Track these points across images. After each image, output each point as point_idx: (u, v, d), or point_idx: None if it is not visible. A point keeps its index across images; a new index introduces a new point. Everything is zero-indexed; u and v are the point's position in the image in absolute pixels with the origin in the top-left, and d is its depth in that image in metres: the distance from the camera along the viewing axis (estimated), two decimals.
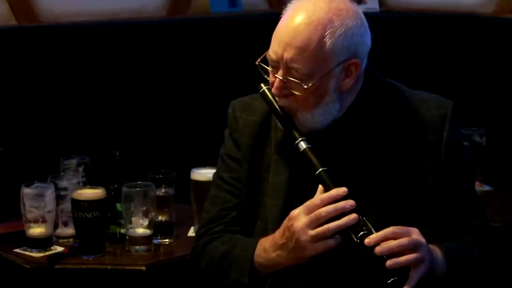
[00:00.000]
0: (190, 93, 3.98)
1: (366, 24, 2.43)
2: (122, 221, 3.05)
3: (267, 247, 2.42)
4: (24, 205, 2.99)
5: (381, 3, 4.40)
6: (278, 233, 2.40)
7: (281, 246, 2.38)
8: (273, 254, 2.41)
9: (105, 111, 3.79)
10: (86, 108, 3.75)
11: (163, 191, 3.13)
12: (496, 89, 3.97)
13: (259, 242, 2.45)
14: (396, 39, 4.12)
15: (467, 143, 3.47)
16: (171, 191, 3.14)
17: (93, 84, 3.77)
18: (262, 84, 2.50)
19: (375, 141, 2.45)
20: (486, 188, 3.59)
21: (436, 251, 2.38)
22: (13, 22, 3.77)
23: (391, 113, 2.47)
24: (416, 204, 2.43)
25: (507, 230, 3.24)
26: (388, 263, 2.26)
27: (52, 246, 3.04)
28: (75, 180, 3.16)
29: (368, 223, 2.31)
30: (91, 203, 2.96)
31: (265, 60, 2.45)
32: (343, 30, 2.35)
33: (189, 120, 3.95)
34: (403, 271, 2.28)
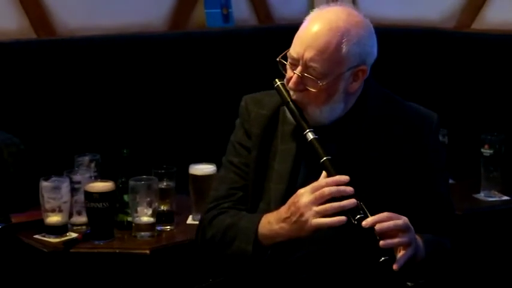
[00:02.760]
0: (188, 98, 3.97)
1: (375, 37, 2.43)
2: (129, 211, 3.04)
3: (271, 220, 2.39)
4: (42, 196, 2.99)
5: None
6: (283, 208, 2.37)
7: (285, 220, 2.35)
8: (277, 227, 2.37)
9: (114, 114, 3.79)
10: (97, 111, 3.75)
11: (165, 184, 3.11)
12: (457, 94, 3.97)
13: (264, 216, 2.42)
14: None
15: None
16: (172, 184, 3.13)
17: (104, 90, 3.77)
18: (276, 80, 2.49)
19: (370, 140, 2.44)
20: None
21: (418, 238, 2.37)
22: (33, 36, 3.77)
23: (384, 117, 2.47)
24: (400, 197, 2.41)
25: (466, 218, 3.23)
26: (382, 243, 2.23)
27: (67, 232, 3.03)
28: (87, 175, 3.15)
29: (365, 207, 2.29)
30: (102, 195, 2.96)
31: (284, 58, 2.45)
32: (357, 39, 2.37)
33: (188, 122, 3.94)
34: (391, 252, 2.26)
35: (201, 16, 4.20)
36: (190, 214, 3.19)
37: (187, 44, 4.00)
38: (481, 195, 3.44)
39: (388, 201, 2.38)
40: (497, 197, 3.42)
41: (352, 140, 2.45)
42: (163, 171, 3.11)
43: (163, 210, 3.09)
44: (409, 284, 2.31)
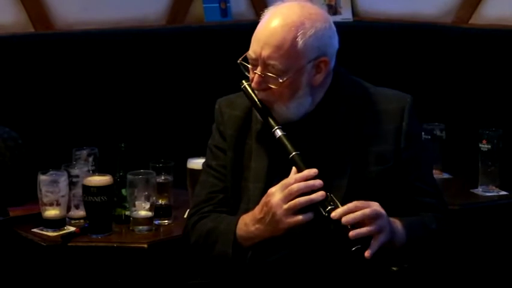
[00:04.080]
0: (186, 93, 3.97)
1: (334, 28, 2.44)
2: (127, 205, 3.04)
3: (247, 221, 2.42)
4: (40, 190, 2.99)
5: (354, 14, 4.38)
6: (257, 209, 2.40)
7: (259, 220, 2.38)
8: (252, 228, 2.40)
9: (112, 108, 3.78)
10: (95, 105, 3.75)
11: (163, 178, 3.11)
12: (454, 89, 3.97)
13: (241, 217, 2.45)
14: (367, 44, 4.11)
15: (429, 136, 3.48)
16: (169, 178, 3.13)
17: (101, 84, 3.77)
18: (243, 81, 2.50)
19: (343, 130, 2.45)
20: (446, 175, 3.59)
21: (397, 223, 2.39)
22: (31, 29, 3.76)
23: (356, 105, 2.48)
24: (379, 184, 2.43)
25: (463, 212, 3.24)
26: (351, 233, 2.25)
27: (65, 226, 3.03)
28: (85, 169, 3.14)
29: (335, 199, 2.30)
30: (99, 189, 2.95)
31: (246, 60, 2.48)
32: (313, 31, 2.38)
33: (185, 116, 3.93)
34: (365, 240, 2.26)
35: (199, 10, 4.20)
36: (188, 208, 3.19)
37: (185, 38, 4.00)
38: (479, 190, 3.44)
39: (364, 191, 2.38)
40: (495, 192, 3.42)
41: (324, 132, 2.45)
42: (161, 165, 3.11)
43: (161, 204, 3.09)
44: (393, 269, 2.31)
